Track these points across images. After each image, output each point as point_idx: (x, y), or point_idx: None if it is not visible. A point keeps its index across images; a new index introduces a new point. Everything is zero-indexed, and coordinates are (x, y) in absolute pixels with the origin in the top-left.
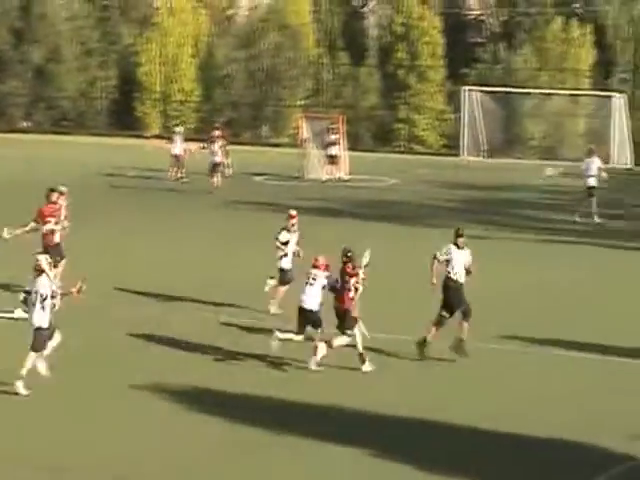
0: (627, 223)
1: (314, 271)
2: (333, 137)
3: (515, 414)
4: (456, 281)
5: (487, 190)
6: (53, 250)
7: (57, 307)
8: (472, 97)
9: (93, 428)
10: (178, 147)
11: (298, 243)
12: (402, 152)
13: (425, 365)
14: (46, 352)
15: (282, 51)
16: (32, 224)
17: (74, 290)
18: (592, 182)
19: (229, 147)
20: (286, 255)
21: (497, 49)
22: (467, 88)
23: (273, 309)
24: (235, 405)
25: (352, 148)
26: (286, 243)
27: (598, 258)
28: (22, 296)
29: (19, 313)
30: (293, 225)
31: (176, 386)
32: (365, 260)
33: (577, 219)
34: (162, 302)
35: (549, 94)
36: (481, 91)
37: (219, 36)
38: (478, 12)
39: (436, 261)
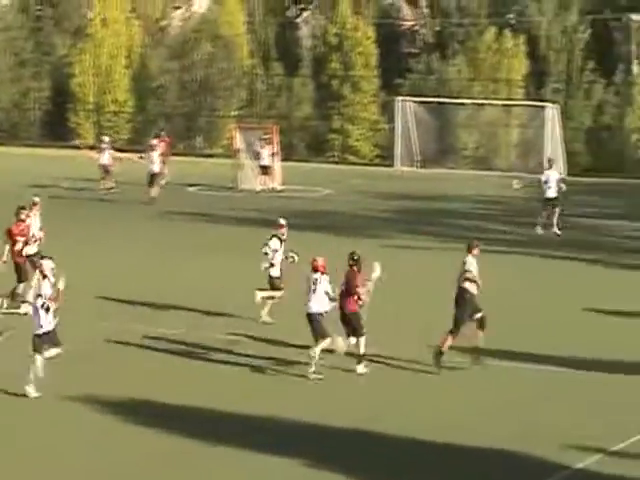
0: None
1: (315, 276)
2: (267, 147)
3: (451, 425)
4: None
5: (421, 200)
6: (24, 265)
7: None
8: (406, 107)
9: (23, 440)
10: (106, 157)
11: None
12: (336, 162)
13: (365, 376)
14: (47, 354)
15: (216, 62)
16: (6, 247)
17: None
18: (552, 193)
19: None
20: (273, 265)
21: (431, 59)
22: (401, 98)
23: (265, 318)
24: (170, 416)
25: (286, 158)
26: (275, 251)
27: (529, 267)
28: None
29: (25, 308)
30: (283, 234)
31: (110, 397)
32: (375, 274)
33: (539, 231)
34: (92, 312)
35: (482, 104)
36: (415, 101)
37: (152, 47)
38: (412, 22)
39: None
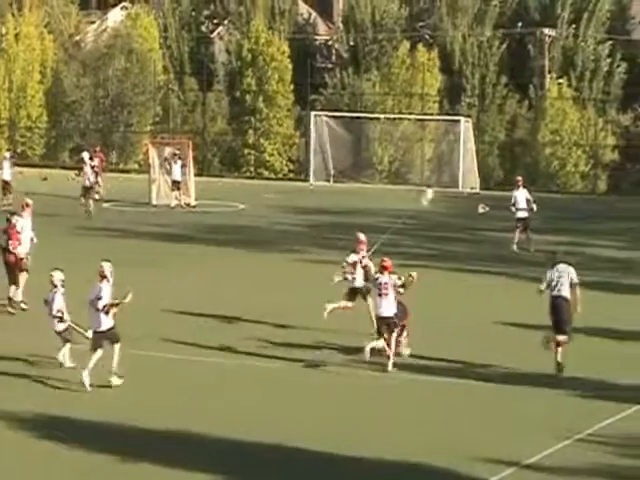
0: (469, 246)
1: (384, 279)
2: (179, 163)
3: (364, 438)
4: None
5: (334, 215)
6: (15, 265)
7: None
8: (320, 122)
9: None
10: (6, 173)
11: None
12: (251, 177)
13: (275, 389)
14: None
15: (130, 77)
16: None
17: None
18: (522, 214)
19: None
20: (354, 278)
21: (345, 74)
22: (315, 113)
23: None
24: (83, 432)
25: (200, 174)
26: (353, 264)
27: (439, 281)
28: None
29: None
30: (362, 250)
31: (21, 414)
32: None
33: (515, 250)
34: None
35: (397, 119)
36: (329, 116)
37: (66, 62)
38: (326, 37)
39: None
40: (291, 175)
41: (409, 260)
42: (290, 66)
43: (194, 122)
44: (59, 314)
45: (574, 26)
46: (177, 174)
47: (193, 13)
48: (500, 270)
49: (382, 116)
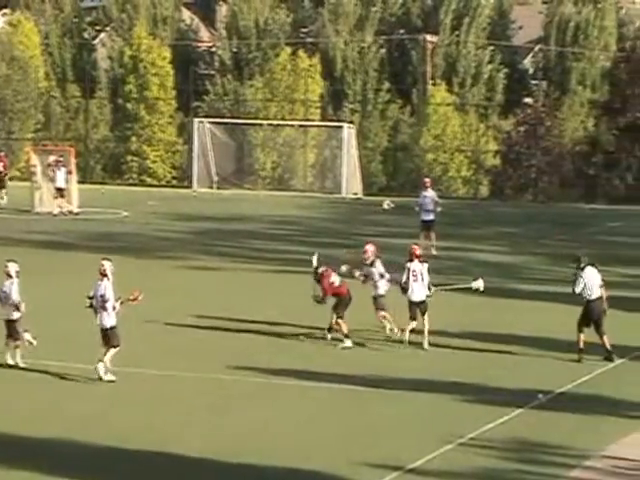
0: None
1: (414, 266)
2: (62, 170)
3: (251, 447)
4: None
5: (217, 221)
6: None
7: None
8: (203, 129)
9: None
10: None
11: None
12: (134, 184)
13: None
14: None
15: (11, 83)
16: None
17: (132, 298)
18: (428, 216)
19: None
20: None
21: (228, 80)
22: (198, 120)
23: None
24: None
25: (83, 181)
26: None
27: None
28: (88, 302)
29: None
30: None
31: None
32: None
33: (434, 253)
34: None
35: (279, 125)
36: (212, 122)
37: None
38: (209, 44)
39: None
40: (174, 182)
41: (288, 266)
42: (172, 72)
43: (76, 129)
44: (16, 303)
45: (456, 32)
46: (61, 181)
47: (75, 20)
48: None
49: (265, 122)
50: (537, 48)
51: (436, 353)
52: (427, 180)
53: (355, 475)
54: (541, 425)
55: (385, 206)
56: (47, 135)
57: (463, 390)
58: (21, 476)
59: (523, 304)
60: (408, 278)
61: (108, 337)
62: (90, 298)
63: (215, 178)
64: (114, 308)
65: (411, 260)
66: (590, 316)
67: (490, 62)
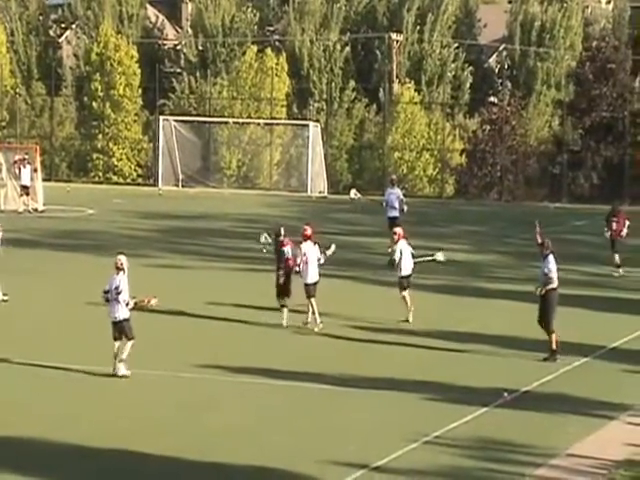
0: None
1: (305, 247)
2: (28, 168)
3: (214, 446)
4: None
5: (182, 219)
6: None
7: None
8: (168, 127)
9: None
10: None
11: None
12: (99, 182)
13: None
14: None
15: None
16: None
17: (146, 301)
18: (393, 213)
19: None
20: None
21: (194, 78)
22: (163, 118)
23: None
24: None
25: (48, 179)
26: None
27: None
28: (103, 297)
29: None
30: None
31: None
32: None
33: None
34: None
35: (245, 123)
36: (177, 120)
37: None
38: (175, 42)
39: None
40: (140, 180)
41: (254, 264)
42: (138, 71)
43: (42, 127)
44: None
45: (421, 30)
46: (26, 179)
47: (40, 17)
48: (349, 274)
49: (231, 120)
50: (502, 47)
51: (401, 351)
52: (393, 177)
53: (320, 473)
54: (506, 424)
55: (352, 195)
56: (12, 132)
57: (428, 388)
58: None
59: (488, 302)
60: (301, 260)
61: (121, 330)
62: (106, 292)
63: (181, 176)
64: (127, 303)
65: (396, 243)
66: (554, 306)
67: (455, 61)
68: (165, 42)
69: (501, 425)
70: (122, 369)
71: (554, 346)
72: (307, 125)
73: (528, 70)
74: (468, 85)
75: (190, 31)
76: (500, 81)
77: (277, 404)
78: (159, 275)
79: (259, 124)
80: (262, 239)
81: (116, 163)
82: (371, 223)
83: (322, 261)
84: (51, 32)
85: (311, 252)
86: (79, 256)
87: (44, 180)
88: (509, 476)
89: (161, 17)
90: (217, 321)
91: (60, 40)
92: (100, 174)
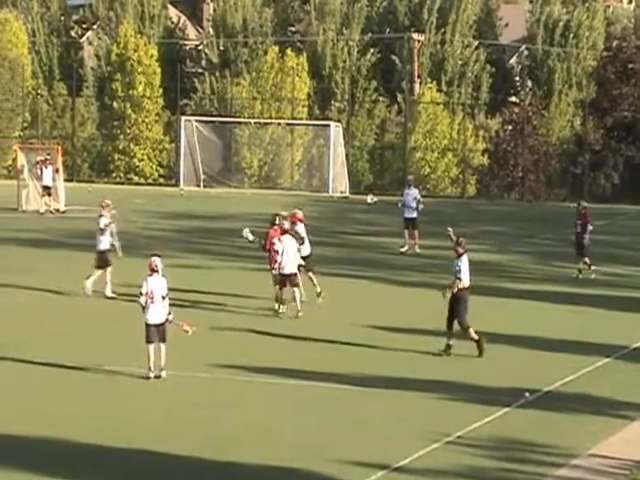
0: (339, 250)
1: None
2: (50, 168)
3: (231, 443)
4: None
5: (203, 219)
6: None
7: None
8: (190, 127)
9: None
10: None
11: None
12: (121, 183)
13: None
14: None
15: None
16: None
17: (187, 327)
18: (411, 214)
19: None
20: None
21: (215, 79)
22: (185, 118)
23: None
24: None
25: (70, 179)
26: None
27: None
28: (141, 299)
29: None
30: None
31: None
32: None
33: (402, 249)
34: None
35: (266, 123)
36: (199, 121)
37: None
38: (196, 42)
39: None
40: (161, 180)
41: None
42: (159, 71)
43: (63, 127)
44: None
45: (442, 30)
46: (48, 179)
47: (62, 18)
48: (370, 274)
49: (252, 120)
50: (524, 47)
51: (421, 351)
52: (410, 178)
53: (342, 474)
54: (528, 424)
55: (369, 200)
56: (34, 133)
57: (449, 388)
58: None
59: (509, 302)
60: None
61: (160, 332)
62: (143, 294)
63: (202, 176)
64: (169, 313)
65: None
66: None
67: (476, 61)
68: (186, 42)
69: (523, 425)
70: (164, 373)
71: (476, 337)
72: (328, 125)
73: (549, 70)
74: (489, 85)
75: (211, 31)
76: (521, 81)
77: (296, 404)
78: (179, 275)
79: (280, 124)
80: (244, 234)
81: (137, 164)
82: (390, 223)
83: (301, 253)
84: (72, 33)
85: (290, 244)
86: None
87: (66, 181)
88: (531, 476)
89: (183, 17)
90: (235, 321)
91: (81, 41)
92: (121, 174)
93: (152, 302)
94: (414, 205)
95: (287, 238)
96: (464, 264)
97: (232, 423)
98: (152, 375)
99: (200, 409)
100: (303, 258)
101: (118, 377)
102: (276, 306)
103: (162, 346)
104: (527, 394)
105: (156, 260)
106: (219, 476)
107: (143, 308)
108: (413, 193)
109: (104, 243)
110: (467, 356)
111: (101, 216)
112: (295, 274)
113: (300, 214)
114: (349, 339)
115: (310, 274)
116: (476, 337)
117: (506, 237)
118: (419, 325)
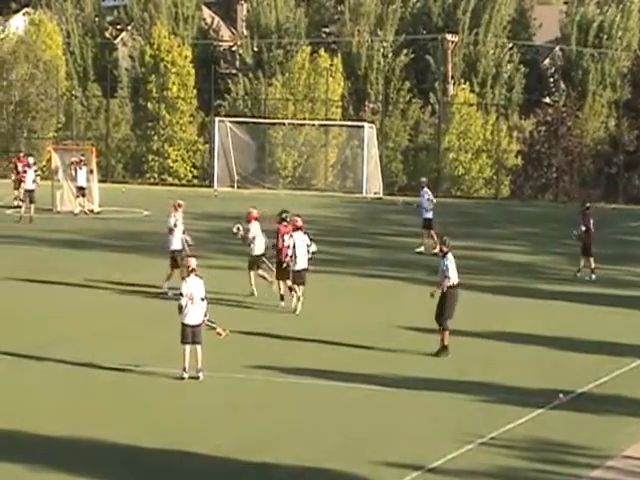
0: (373, 251)
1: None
2: (84, 169)
3: (265, 444)
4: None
5: (237, 220)
6: None
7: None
8: (224, 128)
9: None
10: None
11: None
12: (155, 184)
13: (169, 392)
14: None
15: (33, 83)
16: None
17: (221, 330)
18: (429, 215)
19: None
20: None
21: (249, 79)
22: (219, 119)
23: None
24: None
25: (104, 180)
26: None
27: (344, 286)
28: (182, 300)
29: None
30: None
31: None
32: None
33: (419, 249)
34: None
35: (301, 124)
36: (233, 122)
37: None
38: (230, 43)
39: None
40: (195, 181)
41: (315, 265)
42: (193, 72)
43: (97, 128)
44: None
45: (475, 31)
46: (82, 180)
47: (96, 19)
48: (404, 275)
49: (286, 121)
50: (557, 48)
51: (454, 352)
52: (423, 180)
53: (376, 474)
54: (562, 425)
55: (398, 204)
56: (68, 134)
57: (482, 389)
58: None
59: (544, 303)
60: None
61: (198, 334)
62: (183, 295)
63: (236, 177)
64: (206, 314)
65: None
66: (455, 302)
67: (510, 61)
68: (220, 43)
69: (557, 426)
70: (201, 374)
71: (445, 342)
72: (362, 126)
73: (583, 70)
74: (522, 86)
75: (245, 32)
76: (555, 82)
77: (328, 404)
78: (212, 276)
79: (314, 125)
80: (235, 230)
81: (171, 164)
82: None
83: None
84: (107, 34)
85: (301, 241)
86: (135, 257)
87: (100, 181)
88: (565, 477)
89: (216, 18)
90: (267, 322)
91: (116, 42)
92: (155, 175)
93: (192, 303)
94: (430, 206)
95: (298, 234)
96: (450, 262)
97: (267, 424)
98: (187, 375)
99: (235, 410)
100: (257, 257)
101: (154, 378)
102: (274, 288)
103: (198, 347)
104: (561, 395)
105: (192, 262)
106: (254, 476)
107: (181, 309)
108: (428, 194)
109: (174, 244)
110: (500, 357)
111: (169, 216)
112: (305, 270)
113: (255, 212)
114: (381, 340)
115: (260, 272)
116: (446, 343)
117: (540, 238)
118: (453, 326)
